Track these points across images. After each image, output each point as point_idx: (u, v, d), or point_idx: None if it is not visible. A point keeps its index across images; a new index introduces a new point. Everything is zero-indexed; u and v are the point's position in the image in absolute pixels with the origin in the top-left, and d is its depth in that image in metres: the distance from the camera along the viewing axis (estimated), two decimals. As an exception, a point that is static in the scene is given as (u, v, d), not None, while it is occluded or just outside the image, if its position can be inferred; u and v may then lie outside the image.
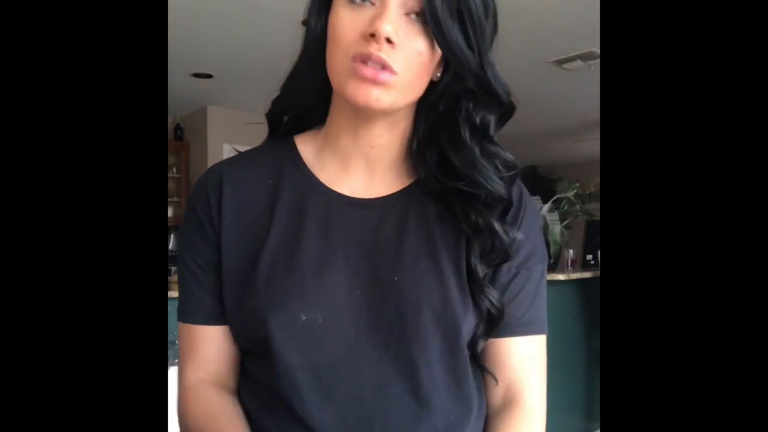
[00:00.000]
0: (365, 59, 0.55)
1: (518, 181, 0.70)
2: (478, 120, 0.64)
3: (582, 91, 4.29)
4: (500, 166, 0.64)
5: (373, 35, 0.55)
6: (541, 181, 7.24)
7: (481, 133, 0.64)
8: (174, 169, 5.17)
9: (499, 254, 0.63)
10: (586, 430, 3.02)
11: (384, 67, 0.56)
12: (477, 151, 0.63)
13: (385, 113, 0.60)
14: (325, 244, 0.62)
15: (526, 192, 0.70)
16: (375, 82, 0.56)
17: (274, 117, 0.70)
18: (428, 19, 0.55)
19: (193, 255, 0.65)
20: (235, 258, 0.63)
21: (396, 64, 0.56)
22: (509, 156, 0.65)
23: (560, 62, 3.70)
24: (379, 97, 0.57)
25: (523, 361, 0.67)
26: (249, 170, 0.67)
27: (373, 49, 0.55)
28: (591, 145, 6.19)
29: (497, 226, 0.62)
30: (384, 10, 0.55)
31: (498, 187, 0.63)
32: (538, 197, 3.40)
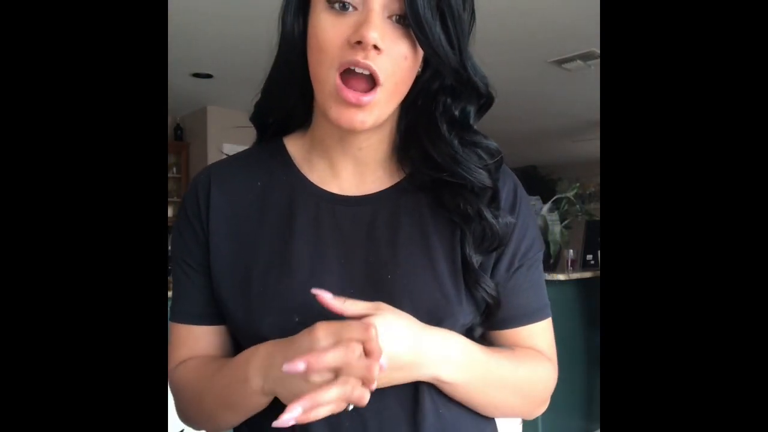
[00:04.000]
0: (352, 66, 0.55)
1: (511, 173, 0.69)
2: (457, 112, 0.63)
3: (582, 91, 4.29)
4: (483, 155, 0.64)
5: (359, 42, 0.54)
6: (541, 181, 7.24)
7: (460, 125, 0.64)
8: (174, 169, 5.17)
9: (492, 241, 0.63)
10: (586, 430, 3.02)
11: (372, 77, 0.55)
12: (456, 143, 0.63)
13: (377, 125, 0.60)
14: (316, 245, 0.62)
15: (519, 183, 0.70)
16: (359, 105, 0.56)
17: (258, 120, 0.70)
18: (410, 22, 0.55)
19: (185, 255, 0.65)
20: (225, 260, 0.63)
21: (382, 70, 0.55)
22: (491, 143, 0.65)
23: (560, 62, 3.71)
24: (363, 119, 0.57)
25: (531, 344, 0.67)
26: (238, 172, 0.67)
27: (360, 56, 0.54)
28: (591, 145, 6.19)
29: (486, 212, 0.62)
30: (369, 15, 0.54)
31: (481, 177, 0.62)
32: (538, 197, 3.40)
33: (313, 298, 0.59)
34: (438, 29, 0.56)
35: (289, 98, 0.65)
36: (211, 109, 4.95)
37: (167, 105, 0.54)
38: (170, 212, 5.11)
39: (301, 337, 0.53)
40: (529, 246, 0.67)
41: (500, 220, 0.63)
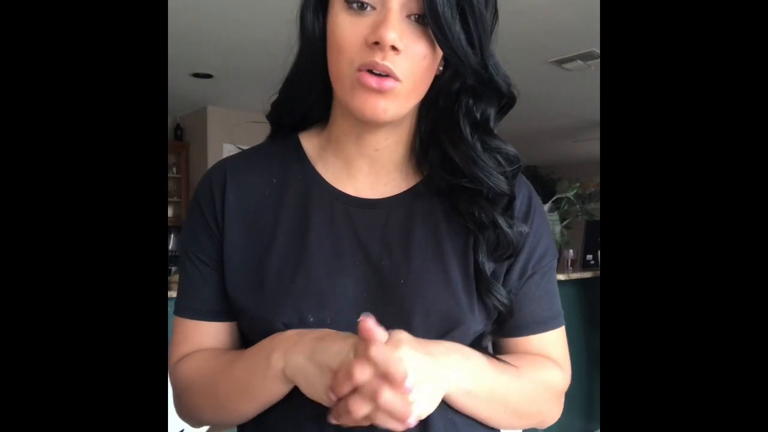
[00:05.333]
0: (370, 68, 0.54)
1: (526, 181, 0.69)
2: (478, 115, 0.63)
3: (582, 91, 4.29)
4: (502, 161, 0.63)
5: (377, 43, 0.53)
6: (541, 181, 7.25)
7: (482, 128, 0.63)
8: (174, 169, 5.17)
9: (506, 249, 0.62)
10: (586, 430, 3.02)
11: (389, 75, 0.55)
12: (478, 146, 0.62)
13: (396, 119, 0.60)
14: (332, 245, 0.61)
15: (534, 191, 0.69)
16: (380, 91, 0.55)
17: (275, 119, 0.69)
18: (429, 21, 0.54)
19: (196, 250, 0.65)
20: (239, 256, 0.62)
21: (401, 70, 0.55)
22: (511, 150, 0.64)
23: (560, 62, 3.71)
24: (385, 107, 0.56)
25: (544, 352, 0.67)
26: (254, 167, 0.66)
27: (378, 57, 0.54)
28: (591, 145, 6.19)
29: (501, 220, 0.62)
30: (387, 15, 0.54)
31: (499, 182, 0.62)
32: (538, 197, 3.40)
33: (328, 298, 0.59)
34: (458, 28, 0.55)
35: (309, 97, 0.65)
36: (211, 109, 4.95)
37: (167, 105, 0.54)
38: (170, 212, 5.11)
39: (334, 340, 0.52)
40: (543, 254, 0.67)
41: (514, 228, 0.62)
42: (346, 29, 0.55)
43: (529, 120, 5.26)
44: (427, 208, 0.64)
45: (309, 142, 0.68)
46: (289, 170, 0.65)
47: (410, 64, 0.56)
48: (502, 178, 0.62)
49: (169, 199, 4.99)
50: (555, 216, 3.16)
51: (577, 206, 3.50)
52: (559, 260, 3.30)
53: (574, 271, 3.09)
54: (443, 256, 0.62)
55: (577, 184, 3.92)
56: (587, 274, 2.97)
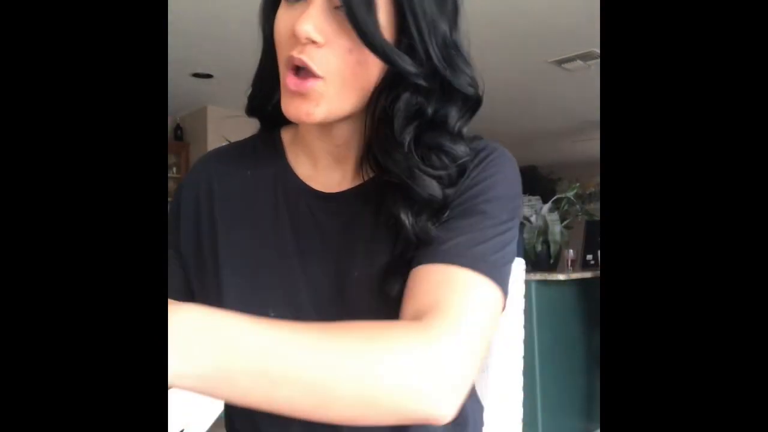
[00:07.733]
0: (291, 64, 0.53)
1: (491, 145, 0.63)
2: (430, 110, 0.56)
3: (582, 91, 4.29)
4: (445, 159, 0.57)
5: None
6: (541, 181, 7.24)
7: (429, 123, 0.57)
8: (174, 169, 5.17)
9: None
10: (586, 430, 3.02)
11: (308, 70, 0.52)
12: (407, 142, 0.56)
13: (332, 119, 0.57)
14: (294, 239, 0.62)
15: (496, 150, 0.62)
16: (301, 94, 0.53)
17: (251, 113, 0.69)
18: (345, 11, 0.50)
19: (169, 244, 0.66)
20: (203, 247, 0.63)
21: (320, 65, 0.52)
22: (459, 148, 0.57)
23: (560, 62, 3.71)
24: (309, 111, 0.54)
25: (440, 287, 0.52)
26: (232, 161, 0.67)
27: (296, 51, 0.52)
28: (591, 145, 6.20)
29: (410, 220, 0.56)
30: (308, 6, 0.51)
31: (427, 186, 0.55)
32: (538, 197, 3.41)
33: (288, 293, 0.59)
34: (375, 18, 0.50)
35: (273, 94, 0.64)
36: (211, 109, 4.95)
37: (167, 105, 0.54)
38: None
39: None
40: (477, 193, 0.58)
41: (418, 225, 0.56)
42: (281, 22, 0.54)
43: (529, 120, 5.27)
44: (380, 200, 0.60)
45: (287, 136, 0.68)
46: (265, 164, 0.66)
47: (334, 58, 0.52)
48: (432, 181, 0.56)
49: (169, 199, 4.98)
50: (555, 216, 3.16)
51: (577, 206, 3.50)
52: (558, 260, 3.32)
53: (574, 271, 3.09)
54: (394, 245, 0.58)
55: (577, 184, 3.93)
56: (587, 274, 2.97)
